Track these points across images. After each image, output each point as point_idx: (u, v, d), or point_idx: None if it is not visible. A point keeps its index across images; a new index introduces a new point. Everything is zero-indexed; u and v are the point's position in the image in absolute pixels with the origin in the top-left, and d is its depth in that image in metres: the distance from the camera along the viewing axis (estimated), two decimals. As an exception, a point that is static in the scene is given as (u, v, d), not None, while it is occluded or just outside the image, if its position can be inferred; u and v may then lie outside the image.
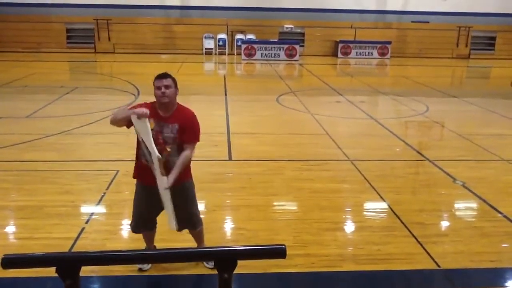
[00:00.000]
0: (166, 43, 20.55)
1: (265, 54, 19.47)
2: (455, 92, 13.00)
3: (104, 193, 5.37)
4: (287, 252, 4.45)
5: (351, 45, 20.88)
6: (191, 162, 3.86)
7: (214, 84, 13.69)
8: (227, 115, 9.46)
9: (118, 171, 6.01)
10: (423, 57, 21.03)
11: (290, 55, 19.52)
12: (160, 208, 3.66)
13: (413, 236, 4.54)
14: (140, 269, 3.83)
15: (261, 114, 9.91)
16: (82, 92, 11.71)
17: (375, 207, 5.35)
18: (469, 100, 11.83)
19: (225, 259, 1.27)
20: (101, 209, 5.08)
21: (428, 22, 21.73)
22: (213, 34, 20.49)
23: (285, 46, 19.65)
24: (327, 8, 21.12)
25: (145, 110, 3.34)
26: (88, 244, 4.25)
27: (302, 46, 20.79)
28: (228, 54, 20.50)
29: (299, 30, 21.38)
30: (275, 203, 5.41)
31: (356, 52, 20.84)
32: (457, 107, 11.26)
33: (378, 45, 20.96)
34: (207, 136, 7.95)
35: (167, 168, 3.49)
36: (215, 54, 20.45)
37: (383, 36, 21.21)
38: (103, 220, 4.92)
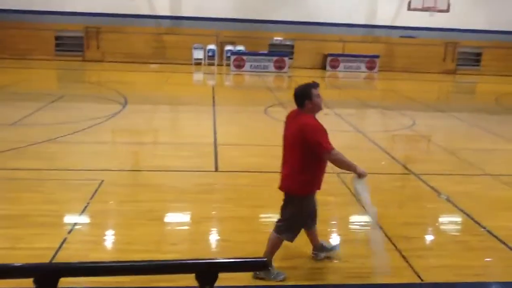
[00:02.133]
0: (155, 52, 20.54)
1: (254, 65, 19.53)
2: (441, 107, 13.14)
3: (88, 203, 5.30)
4: (276, 265, 4.43)
5: (339, 58, 21.05)
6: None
7: (203, 95, 13.69)
8: (214, 125, 9.44)
9: (103, 180, 5.95)
10: (410, 71, 21.28)
11: (279, 67, 19.61)
12: None
13: (397, 249, 4.55)
14: None
15: (249, 125, 9.92)
16: (69, 100, 11.63)
17: (360, 220, 5.36)
18: (455, 115, 11.97)
19: (206, 271, 1.25)
20: (85, 219, 5.02)
21: (415, 37, 22.02)
22: (203, 44, 20.53)
23: (274, 58, 19.75)
24: (316, 21, 21.31)
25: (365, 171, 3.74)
26: (71, 254, 4.19)
27: (291, 58, 20.92)
28: (218, 65, 20.54)
29: (288, 43, 21.52)
30: (262, 215, 5.40)
31: (345, 66, 21.00)
32: (444, 122, 11.38)
33: (367, 59, 21.15)
34: (193, 146, 7.96)
35: None
36: (205, 64, 20.48)
37: (371, 50, 21.42)
38: (87, 230, 4.86)
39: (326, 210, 5.52)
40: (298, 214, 3.93)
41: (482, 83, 19.99)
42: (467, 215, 5.51)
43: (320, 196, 5.89)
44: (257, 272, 3.90)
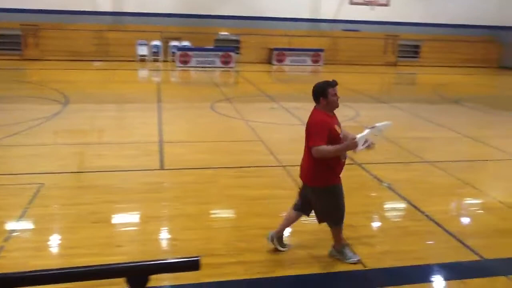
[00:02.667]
0: (98, 50, 19.93)
1: (201, 61, 19.37)
2: (383, 98, 13.57)
3: (27, 208, 5.09)
4: (221, 261, 4.43)
5: (285, 52, 21.26)
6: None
7: (148, 92, 13.44)
8: (160, 123, 9.31)
9: (43, 184, 5.74)
10: (354, 64, 21.80)
11: (226, 62, 19.56)
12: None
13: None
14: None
15: (195, 121, 9.85)
16: (7, 101, 11.08)
17: (307, 211, 5.45)
18: (396, 105, 12.40)
19: (135, 275, 1.23)
20: (23, 225, 4.82)
21: (358, 31, 22.58)
22: (147, 40, 20.13)
23: (221, 53, 19.67)
24: (262, 16, 21.41)
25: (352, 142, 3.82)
26: (9, 263, 4.01)
27: (238, 53, 20.91)
28: (163, 61, 20.22)
29: (234, 38, 21.48)
30: (209, 212, 5.38)
31: (291, 60, 21.23)
32: (385, 112, 11.77)
33: (312, 53, 21.48)
34: (139, 145, 7.82)
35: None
36: (150, 61, 20.10)
37: (316, 44, 21.76)
38: (26, 236, 4.66)
39: (274, 203, 5.59)
40: (324, 204, 4.12)
41: (421, 75, 20.79)
42: (408, 201, 5.75)
43: (268, 190, 6.01)
44: (333, 253, 4.26)
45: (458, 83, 18.14)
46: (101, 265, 1.25)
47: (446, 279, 4.17)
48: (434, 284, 4.07)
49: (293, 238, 4.71)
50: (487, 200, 6.02)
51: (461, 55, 22.88)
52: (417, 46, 23.32)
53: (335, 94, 3.94)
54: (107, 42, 20.07)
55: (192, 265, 1.29)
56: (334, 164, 3.99)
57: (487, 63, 23.12)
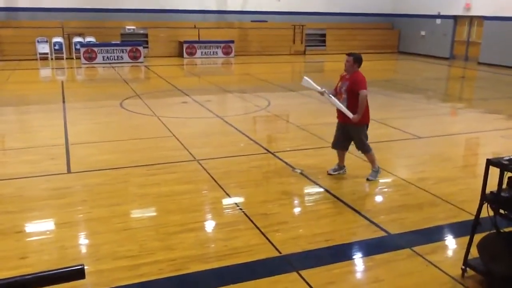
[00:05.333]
0: (-10, 49, 18.42)
1: (107, 57, 18.61)
2: (293, 86, 13.89)
3: None
4: (135, 262, 4.29)
5: (196, 45, 21.04)
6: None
7: (51, 92, 12.68)
8: (65, 124, 8.82)
9: None
10: (264, 54, 22.11)
11: (134, 57, 18.96)
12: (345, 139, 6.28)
13: (257, 227, 4.73)
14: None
15: (103, 120, 9.45)
16: None
17: (221, 203, 5.46)
18: (304, 93, 12.73)
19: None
20: None
21: (266, 21, 22.90)
22: (48, 37, 18.95)
23: (128, 48, 19.02)
24: (169, 8, 21.00)
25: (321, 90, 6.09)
26: None
27: (146, 47, 20.35)
28: (67, 58, 19.16)
29: (142, 31, 20.86)
30: (121, 213, 5.18)
31: (201, 52, 21.06)
32: (295, 100, 12.08)
33: (222, 45, 21.45)
34: (43, 149, 7.38)
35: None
36: (52, 59, 18.96)
37: (226, 36, 21.76)
38: None
39: (187, 199, 5.52)
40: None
41: (328, 62, 21.56)
42: (319, 185, 5.95)
43: (180, 186, 5.91)
44: (369, 178, 6.17)
45: (362, 69, 19.05)
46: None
47: (356, 257, 4.37)
48: (344, 263, 4.22)
49: (209, 232, 4.68)
50: (392, 178, 6.39)
51: (363, 42, 24.00)
52: (323, 35, 24.14)
53: (345, 61, 5.96)
54: (1, 40, 18.60)
55: (76, 273, 1.20)
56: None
57: (387, 49, 24.53)
